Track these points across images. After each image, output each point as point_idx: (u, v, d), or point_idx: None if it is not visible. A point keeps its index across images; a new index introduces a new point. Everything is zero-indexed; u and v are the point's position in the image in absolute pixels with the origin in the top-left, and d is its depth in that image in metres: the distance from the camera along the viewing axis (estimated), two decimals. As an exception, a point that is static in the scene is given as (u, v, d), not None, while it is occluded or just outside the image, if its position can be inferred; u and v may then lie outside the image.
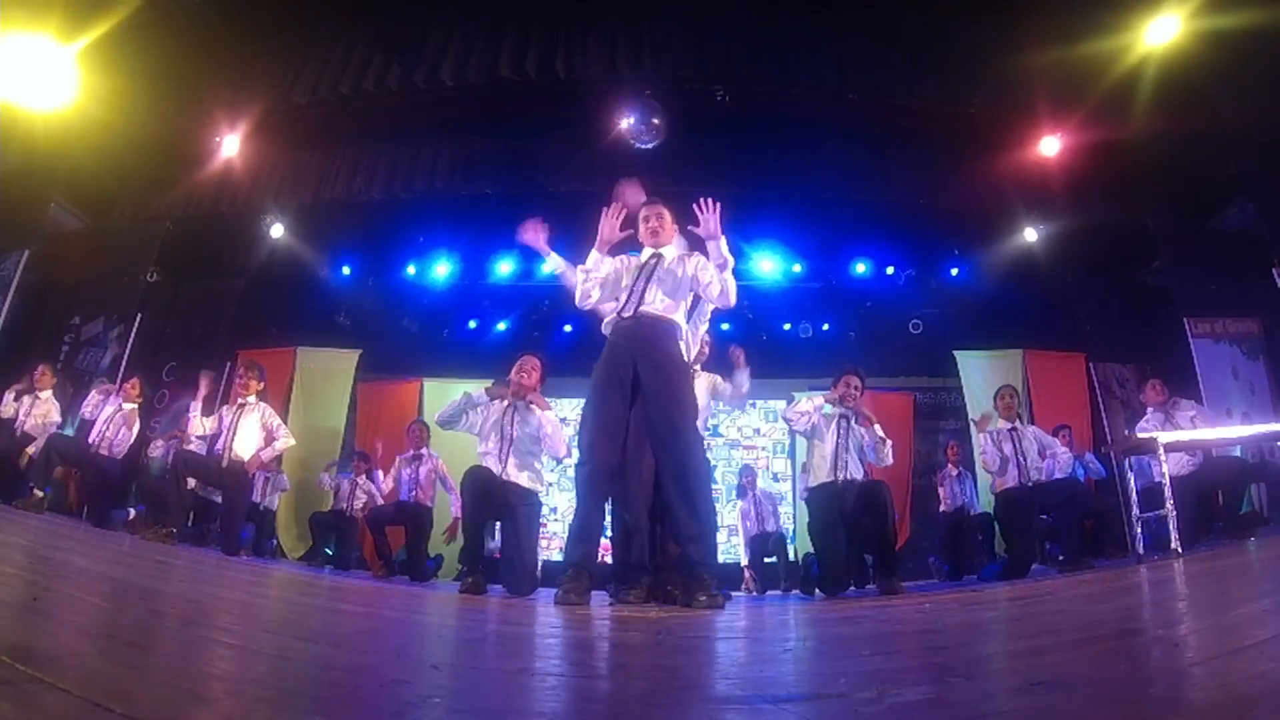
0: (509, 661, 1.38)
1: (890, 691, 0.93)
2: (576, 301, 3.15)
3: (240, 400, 5.05)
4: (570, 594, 2.68)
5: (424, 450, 5.78)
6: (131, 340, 6.59)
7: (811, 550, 4.64)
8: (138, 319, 6.69)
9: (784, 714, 0.83)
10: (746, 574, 6.76)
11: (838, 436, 4.12)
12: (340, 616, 1.97)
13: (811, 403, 4.31)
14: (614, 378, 2.91)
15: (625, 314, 3.01)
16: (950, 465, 6.45)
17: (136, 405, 5.62)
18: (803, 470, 4.37)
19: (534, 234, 3.57)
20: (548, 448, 3.90)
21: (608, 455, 2.88)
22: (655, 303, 2.98)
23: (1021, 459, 4.61)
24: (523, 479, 3.81)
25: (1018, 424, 4.78)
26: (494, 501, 3.77)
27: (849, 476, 4.07)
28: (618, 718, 0.89)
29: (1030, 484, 4.59)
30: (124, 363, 6.42)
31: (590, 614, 2.46)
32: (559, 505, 8.44)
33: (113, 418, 5.49)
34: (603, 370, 2.97)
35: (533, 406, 3.93)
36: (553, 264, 3.75)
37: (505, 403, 3.91)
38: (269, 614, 1.85)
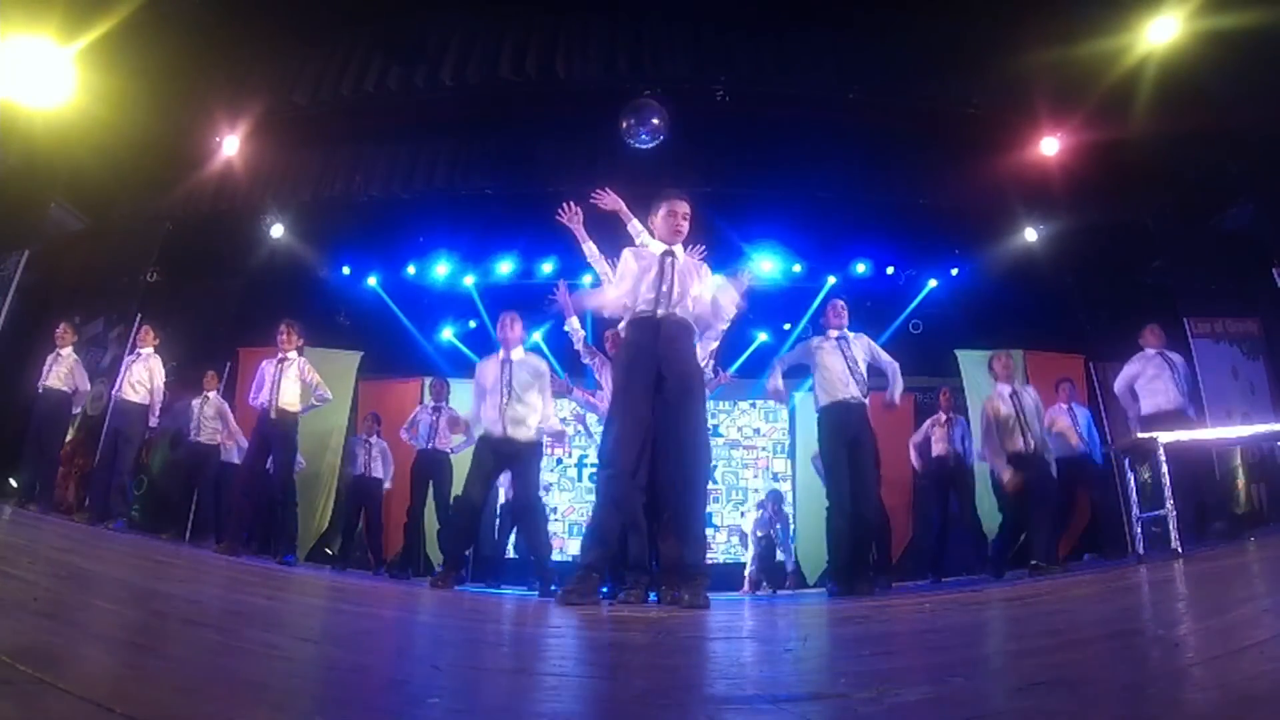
0: (509, 661, 1.38)
1: (890, 691, 0.93)
2: (606, 314, 3.15)
3: (281, 355, 5.28)
4: (572, 595, 2.68)
5: (441, 403, 6.24)
6: (131, 340, 6.58)
7: (824, 551, 4.66)
8: (138, 319, 6.68)
9: (784, 714, 0.83)
10: (748, 576, 6.78)
11: (842, 353, 4.21)
12: (340, 616, 1.97)
13: (793, 352, 4.47)
14: (641, 380, 2.85)
15: (647, 311, 2.93)
16: (941, 411, 6.22)
17: (153, 349, 5.82)
18: (812, 392, 4.43)
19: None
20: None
21: (631, 460, 2.82)
22: (679, 304, 2.94)
23: (1025, 422, 4.59)
24: (521, 432, 4.16)
25: (1016, 385, 4.77)
26: (498, 457, 4.16)
27: (858, 396, 4.13)
28: (618, 718, 0.89)
29: (1034, 450, 4.58)
30: (124, 363, 6.41)
31: (590, 614, 2.46)
32: (559, 505, 8.44)
33: (131, 366, 5.72)
34: (629, 371, 2.89)
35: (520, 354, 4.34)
36: (589, 250, 3.92)
37: (500, 358, 4.31)
38: (269, 614, 1.84)
